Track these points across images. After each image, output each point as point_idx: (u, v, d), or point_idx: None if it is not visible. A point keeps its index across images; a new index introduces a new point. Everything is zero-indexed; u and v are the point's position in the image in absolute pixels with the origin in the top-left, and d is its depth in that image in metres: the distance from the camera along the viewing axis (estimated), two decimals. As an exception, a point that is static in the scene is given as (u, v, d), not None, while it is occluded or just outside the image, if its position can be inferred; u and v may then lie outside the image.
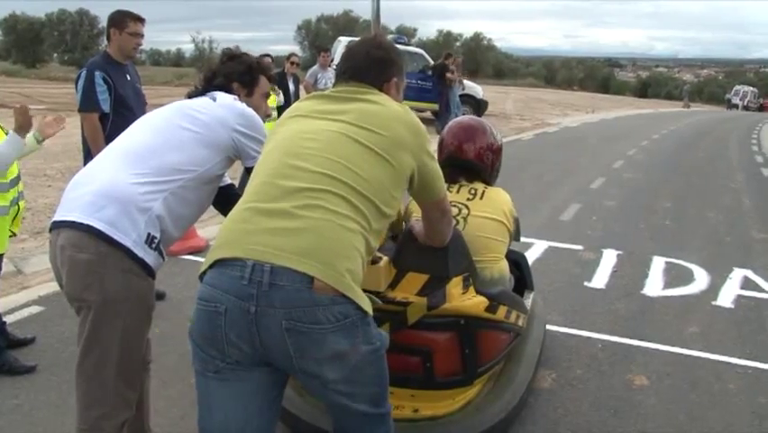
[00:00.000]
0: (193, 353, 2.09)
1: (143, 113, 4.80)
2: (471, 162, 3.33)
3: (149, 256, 2.39)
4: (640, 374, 4.15)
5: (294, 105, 2.34)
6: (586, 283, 5.78)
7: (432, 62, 18.77)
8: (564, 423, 3.57)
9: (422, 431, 2.94)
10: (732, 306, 5.42)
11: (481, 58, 67.76)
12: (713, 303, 5.46)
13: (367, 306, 1.99)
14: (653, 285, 5.82)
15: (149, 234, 2.37)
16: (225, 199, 2.67)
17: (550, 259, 6.46)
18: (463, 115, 18.70)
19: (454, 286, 2.83)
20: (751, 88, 60.24)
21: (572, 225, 7.92)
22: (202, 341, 2.02)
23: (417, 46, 29.55)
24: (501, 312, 3.12)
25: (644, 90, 73.99)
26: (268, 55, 8.98)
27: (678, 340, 4.67)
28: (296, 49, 56.19)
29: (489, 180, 3.44)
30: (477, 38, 70.82)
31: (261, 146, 2.43)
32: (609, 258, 6.54)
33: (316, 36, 58.96)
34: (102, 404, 2.40)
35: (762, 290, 5.82)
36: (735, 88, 59.92)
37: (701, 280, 6.01)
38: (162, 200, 2.39)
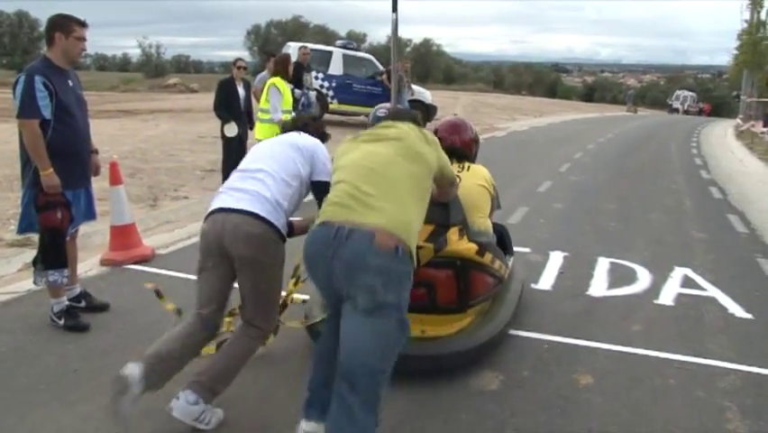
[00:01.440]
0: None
1: (85, 119, 4.71)
2: (460, 149, 4.56)
3: (284, 234, 3.54)
4: (585, 373, 4.22)
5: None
6: (533, 285, 5.85)
7: (381, 68, 18.83)
8: (512, 424, 3.61)
9: (427, 346, 3.95)
10: (673, 304, 5.56)
11: (431, 63, 68.25)
12: (655, 302, 5.59)
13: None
14: (598, 286, 5.93)
15: (284, 221, 3.53)
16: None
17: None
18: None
19: (452, 234, 3.98)
20: (691, 93, 61.97)
21: (520, 228, 8.02)
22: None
23: (368, 51, 29.60)
24: (488, 258, 4.28)
25: (590, 95, 75.57)
26: (240, 59, 9.18)
27: (622, 339, 4.77)
28: (245, 54, 55.75)
29: (472, 160, 4.68)
30: (426, 43, 71.32)
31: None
32: (556, 260, 6.64)
33: (266, 41, 58.64)
34: (269, 318, 3.60)
35: (700, 288, 5.99)
36: (675, 93, 61.56)
37: (644, 279, 6.16)
38: (288, 202, 3.56)
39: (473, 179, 4.46)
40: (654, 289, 5.91)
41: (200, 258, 3.54)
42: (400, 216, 2.91)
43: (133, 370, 3.22)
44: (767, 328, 5.13)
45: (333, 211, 2.97)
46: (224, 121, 9.00)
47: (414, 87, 19.27)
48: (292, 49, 17.99)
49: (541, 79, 78.23)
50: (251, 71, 22.42)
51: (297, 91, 10.96)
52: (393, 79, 12.74)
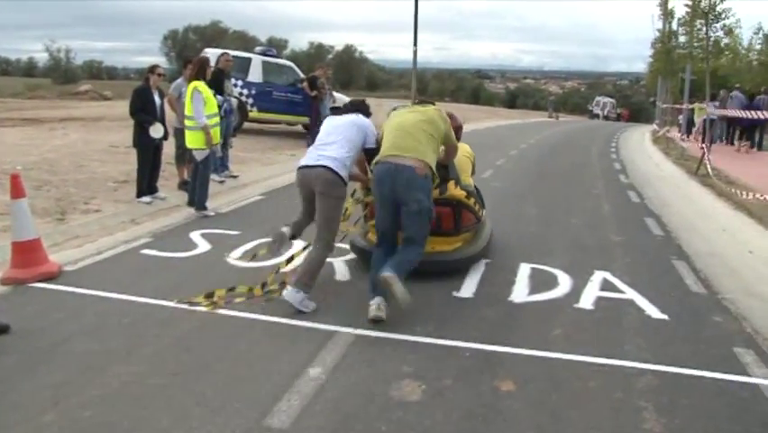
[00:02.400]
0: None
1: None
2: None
3: (345, 181, 5.60)
4: (507, 380, 4.28)
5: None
6: (455, 293, 5.91)
7: (302, 75, 18.74)
8: (433, 433, 3.62)
9: (434, 259, 6.14)
10: (592, 307, 5.71)
11: (354, 69, 68.52)
12: (575, 306, 5.73)
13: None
14: (520, 291, 6.03)
15: (346, 173, 5.60)
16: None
17: (418, 269, 6.53)
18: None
19: (451, 185, 6.35)
20: (610, 99, 64.06)
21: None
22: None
23: (288, 58, 29.42)
24: (472, 201, 6.58)
25: (512, 101, 77.23)
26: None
27: (542, 343, 4.86)
28: (162, 61, 54.62)
29: (458, 139, 6.30)
30: (349, 50, 71.64)
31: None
32: (478, 267, 6.71)
33: (184, 47, 57.64)
34: (331, 239, 5.62)
35: (618, 291, 6.17)
36: (596, 99, 63.54)
37: (564, 284, 6.30)
38: (349, 161, 5.66)
39: (461, 152, 6.53)
40: (575, 293, 6.05)
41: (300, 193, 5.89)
42: (424, 158, 5.34)
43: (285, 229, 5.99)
44: (681, 328, 5.33)
45: (386, 155, 5.40)
46: (147, 123, 8.81)
47: (336, 94, 19.23)
48: (210, 55, 17.70)
49: (464, 86, 79.58)
50: (169, 78, 21.98)
51: (219, 98, 10.78)
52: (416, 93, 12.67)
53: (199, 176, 8.78)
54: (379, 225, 5.52)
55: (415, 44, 8.95)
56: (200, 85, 8.59)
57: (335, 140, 5.71)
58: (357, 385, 4.11)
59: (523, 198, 10.90)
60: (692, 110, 24.06)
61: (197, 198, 8.77)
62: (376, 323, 5.08)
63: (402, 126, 5.53)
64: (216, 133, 8.79)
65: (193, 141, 8.66)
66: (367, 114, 6.08)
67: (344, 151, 5.64)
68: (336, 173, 5.52)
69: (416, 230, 5.32)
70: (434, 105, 5.82)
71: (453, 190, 6.39)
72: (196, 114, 8.52)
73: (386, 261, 5.20)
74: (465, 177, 6.69)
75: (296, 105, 18.15)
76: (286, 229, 5.99)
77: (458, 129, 6.46)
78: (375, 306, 5.16)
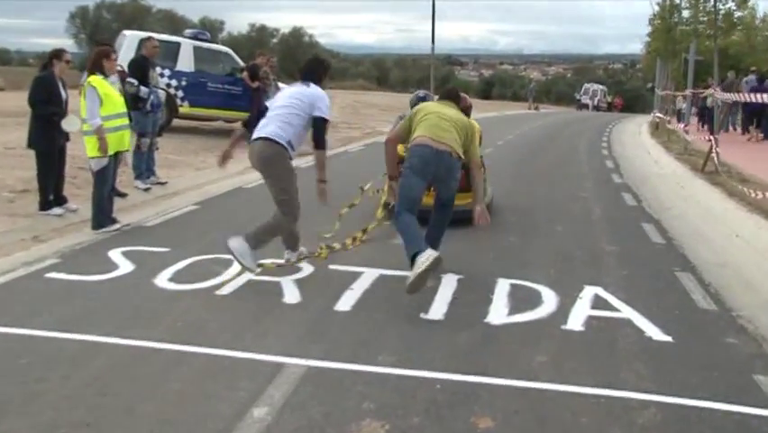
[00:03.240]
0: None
1: None
2: (462, 111, 7.55)
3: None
4: (485, 415, 4.29)
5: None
6: (423, 315, 5.92)
7: (242, 63, 18.67)
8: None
9: (455, 210, 7.43)
10: (583, 328, 5.76)
11: (302, 57, 68.36)
12: (563, 327, 5.77)
13: None
14: (498, 312, 6.06)
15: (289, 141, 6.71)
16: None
17: (380, 289, 6.58)
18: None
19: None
20: (600, 87, 64.90)
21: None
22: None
23: (225, 43, 29.29)
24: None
25: (488, 91, 77.75)
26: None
27: (526, 372, 4.89)
28: (68, 44, 53.80)
29: (468, 116, 7.68)
30: (297, 33, 71.55)
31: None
32: (449, 284, 6.75)
33: (96, 28, 56.85)
34: (292, 206, 6.86)
35: (612, 309, 6.24)
36: (584, 87, 64.32)
37: (550, 302, 6.35)
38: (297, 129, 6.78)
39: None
40: (562, 312, 6.10)
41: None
42: (456, 145, 6.84)
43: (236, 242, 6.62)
44: (689, 352, 5.39)
45: (429, 140, 6.78)
46: (58, 116, 8.65)
47: (281, 85, 19.18)
48: (129, 39, 17.48)
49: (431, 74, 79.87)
50: (77, 65, 21.64)
51: (144, 89, 10.69)
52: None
53: (95, 190, 8.57)
54: (413, 193, 6.78)
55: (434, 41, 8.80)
56: (96, 80, 8.40)
57: (279, 112, 6.74)
58: (310, 427, 4.09)
59: (500, 204, 10.96)
60: (705, 98, 24.12)
61: (93, 214, 8.55)
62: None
63: (441, 117, 6.95)
64: (122, 139, 8.67)
65: (90, 148, 8.46)
66: (320, 75, 7.03)
67: (288, 120, 6.67)
68: (277, 143, 6.59)
69: (450, 197, 7.13)
70: (458, 103, 7.47)
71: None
72: (89, 114, 8.34)
73: (419, 232, 6.62)
74: (475, 147, 7.93)
75: (234, 99, 18.08)
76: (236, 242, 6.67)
77: (468, 108, 8.39)
78: (429, 253, 6.21)
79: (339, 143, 19.58)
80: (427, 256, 6.13)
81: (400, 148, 7.71)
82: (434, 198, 7.31)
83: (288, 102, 6.81)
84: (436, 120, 6.92)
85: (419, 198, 6.86)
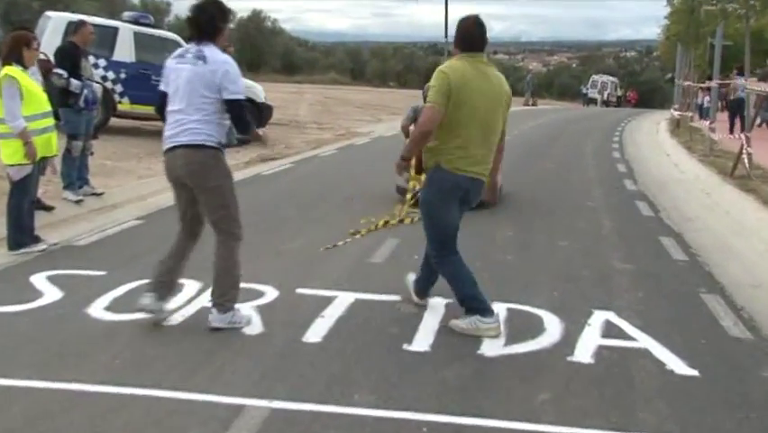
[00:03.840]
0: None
1: None
2: None
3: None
4: (478, 464, 4.28)
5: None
6: (406, 346, 5.91)
7: (191, 52, 18.60)
8: None
9: None
10: (592, 361, 5.77)
11: (264, 45, 68.30)
12: (569, 359, 5.78)
13: None
14: (493, 341, 6.06)
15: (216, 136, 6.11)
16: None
17: (357, 316, 6.56)
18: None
19: None
20: (611, 78, 65.26)
21: (387, 267, 8.16)
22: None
23: (173, 29, 29.19)
24: None
25: (480, 84, 77.90)
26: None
27: (526, 412, 4.89)
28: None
29: None
30: (257, 18, 71.35)
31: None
32: (436, 310, 6.75)
33: (11, 7, 56.28)
34: (233, 226, 6.23)
35: (627, 337, 6.26)
36: (592, 79, 64.69)
37: (553, 329, 6.37)
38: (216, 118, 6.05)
39: None
40: (567, 341, 6.12)
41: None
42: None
43: (146, 301, 6.11)
44: (719, 388, 5.39)
45: (471, 170, 6.26)
46: None
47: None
48: (55, 22, 17.22)
49: (415, 65, 79.91)
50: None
51: (75, 82, 10.50)
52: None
53: (12, 202, 8.42)
54: (453, 227, 6.50)
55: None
56: (15, 72, 8.03)
57: (184, 106, 5.99)
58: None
59: (493, 217, 10.96)
60: (727, 91, 23.87)
61: (9, 231, 8.41)
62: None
63: (486, 122, 6.23)
64: (49, 143, 8.51)
65: (9, 153, 8.23)
66: (217, 27, 6.11)
67: (201, 112, 5.94)
68: (206, 147, 5.99)
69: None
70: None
71: None
72: (9, 115, 8.05)
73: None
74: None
75: (182, 95, 17.99)
76: (147, 300, 6.25)
77: None
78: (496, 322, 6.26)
79: (308, 147, 19.61)
80: (497, 326, 6.22)
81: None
82: None
83: (189, 89, 5.96)
84: (484, 118, 6.20)
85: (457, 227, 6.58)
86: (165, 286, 6.29)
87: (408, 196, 10.46)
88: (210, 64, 5.92)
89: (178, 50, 6.24)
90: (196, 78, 5.92)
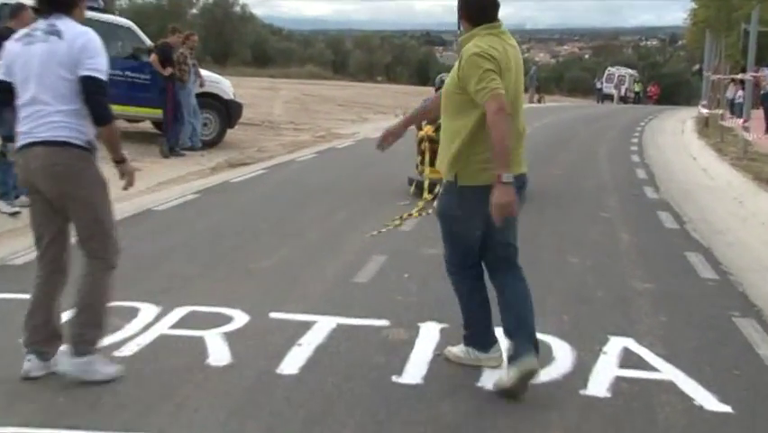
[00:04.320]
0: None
1: None
2: None
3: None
4: None
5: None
6: (395, 378, 5.89)
7: (149, 43, 18.60)
8: None
9: None
10: (609, 394, 5.76)
11: (232, 33, 68.34)
12: (582, 392, 5.77)
13: None
14: (494, 372, 6.02)
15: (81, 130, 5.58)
16: None
17: (340, 344, 6.54)
18: (204, 125, 18.74)
19: None
20: (629, 71, 65.40)
21: (373, 288, 8.14)
22: None
23: (126, 14, 29.19)
24: None
25: (479, 79, 78.08)
26: None
27: (533, 454, 4.87)
28: None
29: None
30: (224, 2, 71.37)
31: None
32: (430, 336, 6.73)
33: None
34: (109, 247, 5.72)
35: (648, 368, 6.25)
36: (607, 71, 64.80)
37: (564, 358, 6.36)
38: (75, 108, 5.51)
39: None
40: (580, 372, 6.11)
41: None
42: None
43: (28, 366, 5.60)
44: (755, 427, 5.39)
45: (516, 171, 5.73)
46: None
47: (205, 73, 19.19)
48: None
49: (406, 56, 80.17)
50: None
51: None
52: None
53: None
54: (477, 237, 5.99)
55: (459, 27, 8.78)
56: None
57: (41, 88, 5.39)
58: None
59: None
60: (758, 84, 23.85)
61: None
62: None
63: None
64: None
65: None
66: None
67: (63, 100, 5.39)
68: (71, 145, 5.42)
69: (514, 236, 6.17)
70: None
71: None
72: None
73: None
74: None
75: (139, 91, 18.01)
76: (30, 366, 5.69)
77: None
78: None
79: (283, 150, 19.62)
80: (498, 355, 6.15)
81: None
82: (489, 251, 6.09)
83: (42, 71, 5.40)
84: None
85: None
86: (45, 343, 5.69)
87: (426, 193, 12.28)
88: (66, 39, 5.37)
89: (22, 31, 5.64)
90: (50, 57, 5.35)
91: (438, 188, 10.07)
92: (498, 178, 5.32)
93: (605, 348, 6.58)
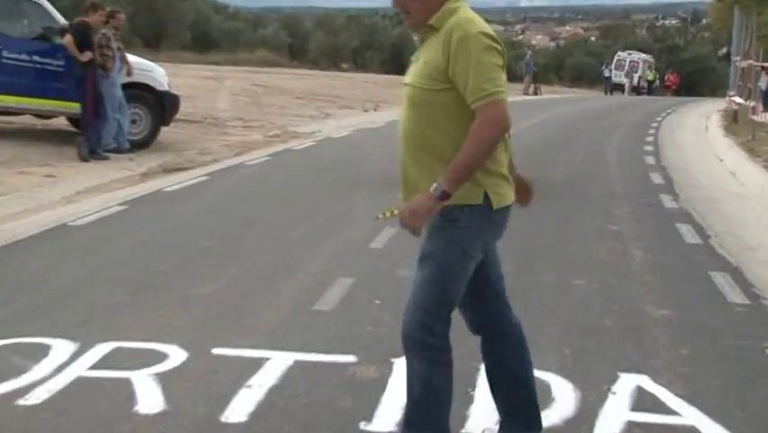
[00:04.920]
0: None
1: None
2: None
3: None
4: None
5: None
6: (363, 425, 5.89)
7: (63, 21, 18.50)
8: None
9: None
10: (619, 441, 5.79)
11: (168, 11, 68.30)
12: (587, 440, 5.80)
13: None
14: (481, 416, 6.07)
15: None
16: None
17: (298, 385, 6.53)
18: (132, 122, 18.70)
19: None
20: (643, 56, 65.68)
21: (337, 318, 8.13)
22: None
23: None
24: None
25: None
26: None
27: None
28: None
29: None
30: (157, -26, 71.40)
31: None
32: (403, 375, 6.71)
33: None
34: None
35: (667, 411, 6.27)
36: (617, 57, 65.08)
37: (566, 400, 6.35)
38: None
39: None
40: (585, 417, 6.13)
41: None
42: None
43: None
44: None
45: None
46: None
47: (132, 59, 19.12)
48: None
49: (376, 40, 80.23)
50: None
51: None
52: None
53: None
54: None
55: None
56: None
57: None
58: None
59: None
60: None
61: None
62: None
63: None
64: None
65: None
66: None
67: None
68: None
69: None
70: None
71: None
72: None
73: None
74: None
75: (51, 80, 17.93)
76: None
77: None
78: None
79: (229, 153, 19.57)
80: None
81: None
82: (479, 298, 5.54)
83: None
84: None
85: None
86: None
87: None
88: None
89: None
90: None
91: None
92: (434, 190, 4.77)
93: (614, 388, 6.59)
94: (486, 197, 5.03)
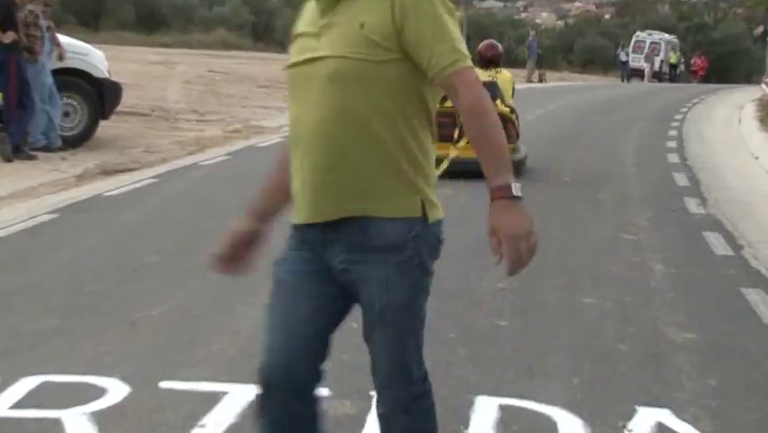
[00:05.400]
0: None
1: None
2: (494, 59, 18.79)
3: None
4: None
5: None
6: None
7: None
8: None
9: None
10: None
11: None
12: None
13: None
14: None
15: None
16: None
17: (251, 428, 6.34)
18: (65, 115, 18.66)
19: (498, 102, 17.18)
20: (665, 36, 65.87)
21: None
22: None
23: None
24: (513, 117, 18.20)
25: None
26: None
27: None
28: None
29: (500, 66, 19.24)
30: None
31: None
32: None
33: None
34: None
35: (692, 451, 6.28)
36: (635, 38, 65.31)
37: (571, 438, 6.39)
38: None
39: (504, 78, 18.08)
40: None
41: None
42: None
43: None
44: None
45: None
46: None
47: (65, 40, 19.10)
48: None
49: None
50: None
51: None
52: None
53: None
54: None
55: None
56: None
57: None
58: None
59: (482, 258, 10.96)
60: None
61: None
62: None
63: None
64: None
65: None
66: None
67: None
68: None
69: None
70: None
71: (499, 107, 14.17)
72: None
73: None
74: (508, 97, 13.91)
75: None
76: None
77: (499, 57, 19.13)
78: None
79: (182, 151, 19.57)
80: None
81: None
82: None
83: None
84: None
85: None
86: None
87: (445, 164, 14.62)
88: None
89: None
90: None
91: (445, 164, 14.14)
92: (505, 190, 4.20)
93: (630, 424, 6.60)
94: (423, 207, 4.26)
